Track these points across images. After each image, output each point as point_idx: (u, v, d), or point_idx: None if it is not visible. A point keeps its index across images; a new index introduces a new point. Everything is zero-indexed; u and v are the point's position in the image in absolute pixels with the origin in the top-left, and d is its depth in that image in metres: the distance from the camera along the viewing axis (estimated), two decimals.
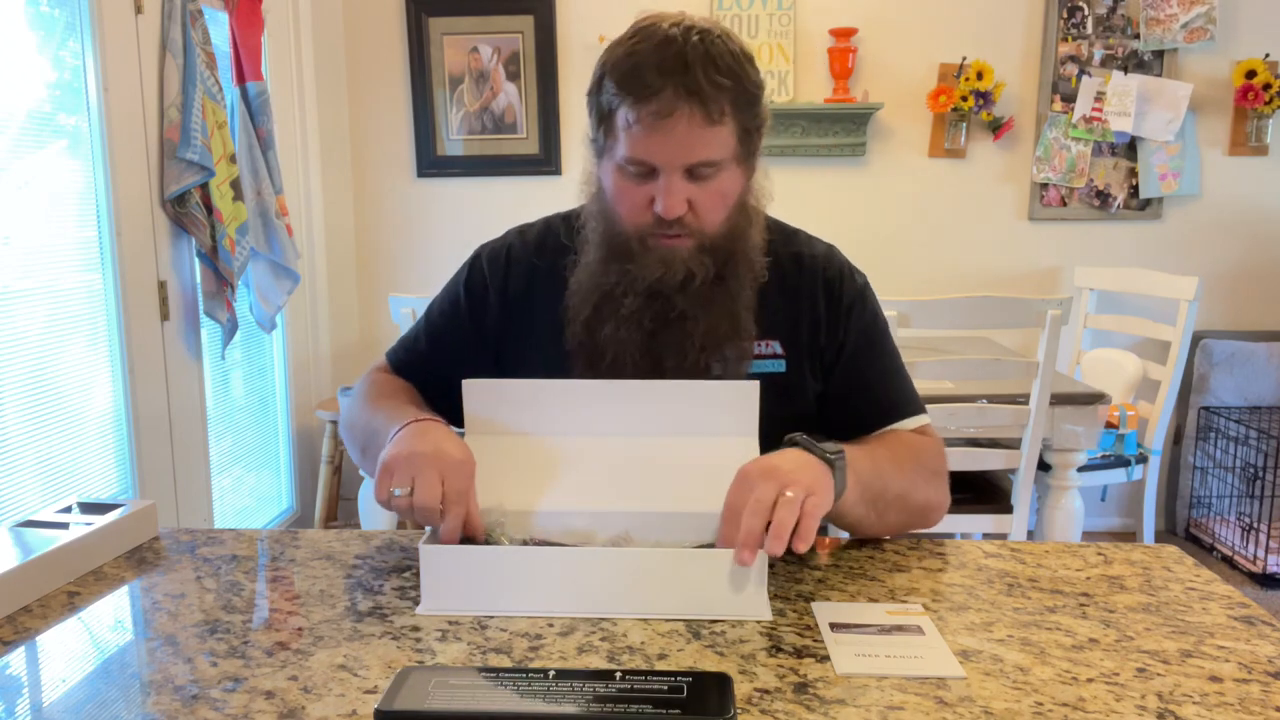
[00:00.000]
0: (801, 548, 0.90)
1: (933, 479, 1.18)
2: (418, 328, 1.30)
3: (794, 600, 0.95)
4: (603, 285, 1.14)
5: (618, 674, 0.72)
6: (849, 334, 1.21)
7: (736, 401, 1.06)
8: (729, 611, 0.90)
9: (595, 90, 1.11)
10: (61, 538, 1.03)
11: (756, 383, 1.06)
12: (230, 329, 2.64)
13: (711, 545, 0.98)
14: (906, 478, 1.13)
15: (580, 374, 1.14)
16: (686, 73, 1.04)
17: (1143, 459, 3.08)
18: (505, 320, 1.24)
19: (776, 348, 1.19)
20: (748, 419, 1.06)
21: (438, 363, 1.25)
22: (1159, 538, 3.50)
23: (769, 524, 0.90)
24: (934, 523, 1.19)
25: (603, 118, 1.11)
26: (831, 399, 1.22)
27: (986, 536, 2.54)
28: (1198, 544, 3.44)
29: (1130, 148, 3.43)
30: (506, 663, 0.82)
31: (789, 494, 0.91)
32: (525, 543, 0.99)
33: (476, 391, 1.10)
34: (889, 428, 1.20)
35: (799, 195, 3.50)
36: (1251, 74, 3.29)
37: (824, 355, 1.21)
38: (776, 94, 3.45)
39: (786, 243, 1.23)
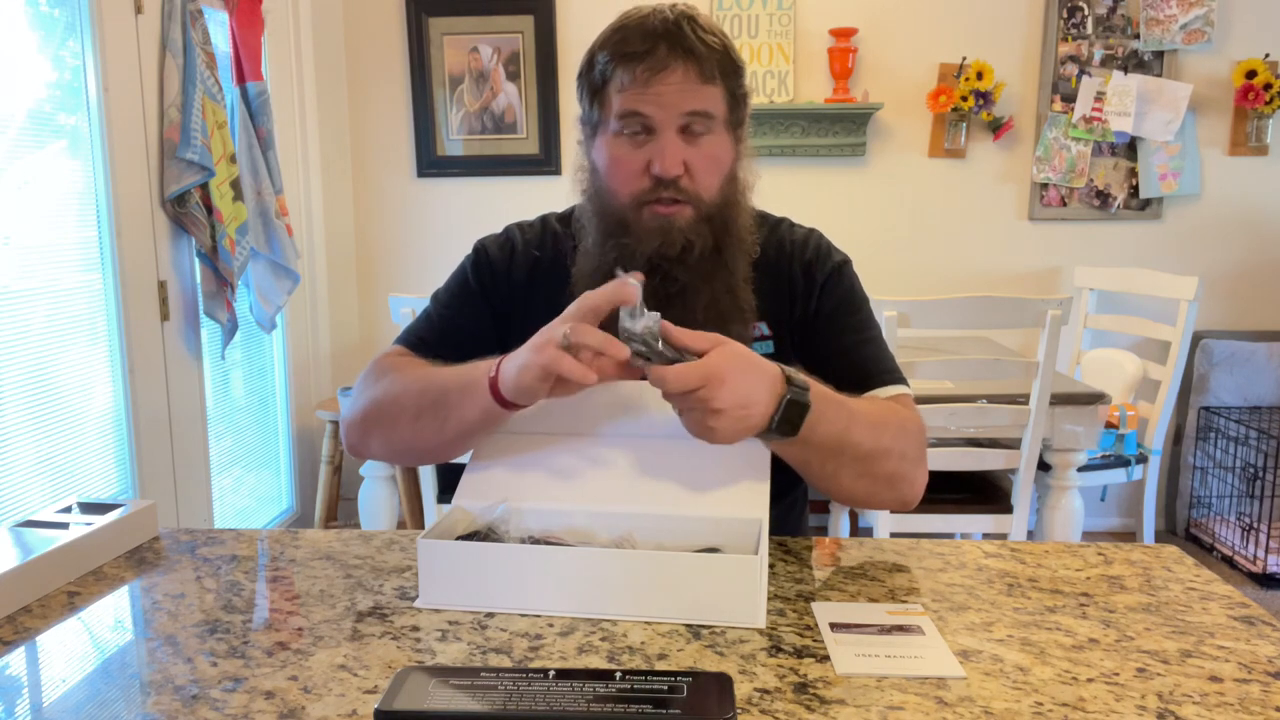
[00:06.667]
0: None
1: (908, 449, 1.12)
2: (426, 315, 1.28)
3: (794, 600, 0.95)
4: (603, 265, 1.14)
5: (618, 674, 0.72)
6: (823, 302, 1.22)
7: None
8: (725, 618, 0.89)
9: (586, 69, 1.15)
10: (61, 538, 1.03)
11: None
12: (230, 329, 2.64)
13: (713, 550, 0.98)
14: (871, 442, 1.07)
15: None
16: (679, 33, 1.08)
17: (1143, 459, 3.08)
18: (511, 308, 1.24)
19: (764, 329, 1.22)
20: None
21: (451, 348, 1.23)
22: (1159, 538, 3.50)
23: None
24: (908, 500, 1.13)
25: (595, 91, 1.14)
26: (807, 368, 1.21)
27: (986, 536, 2.54)
28: (1198, 544, 3.44)
29: (1130, 148, 3.43)
30: (506, 663, 0.82)
31: (709, 417, 0.92)
32: (526, 540, 0.99)
33: None
34: (867, 395, 1.17)
35: (799, 195, 3.50)
36: (1251, 74, 3.29)
37: (801, 328, 1.23)
38: (776, 94, 3.45)
39: (772, 231, 1.26)
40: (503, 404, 1.01)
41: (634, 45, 1.09)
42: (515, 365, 0.98)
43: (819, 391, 1.01)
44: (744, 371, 0.94)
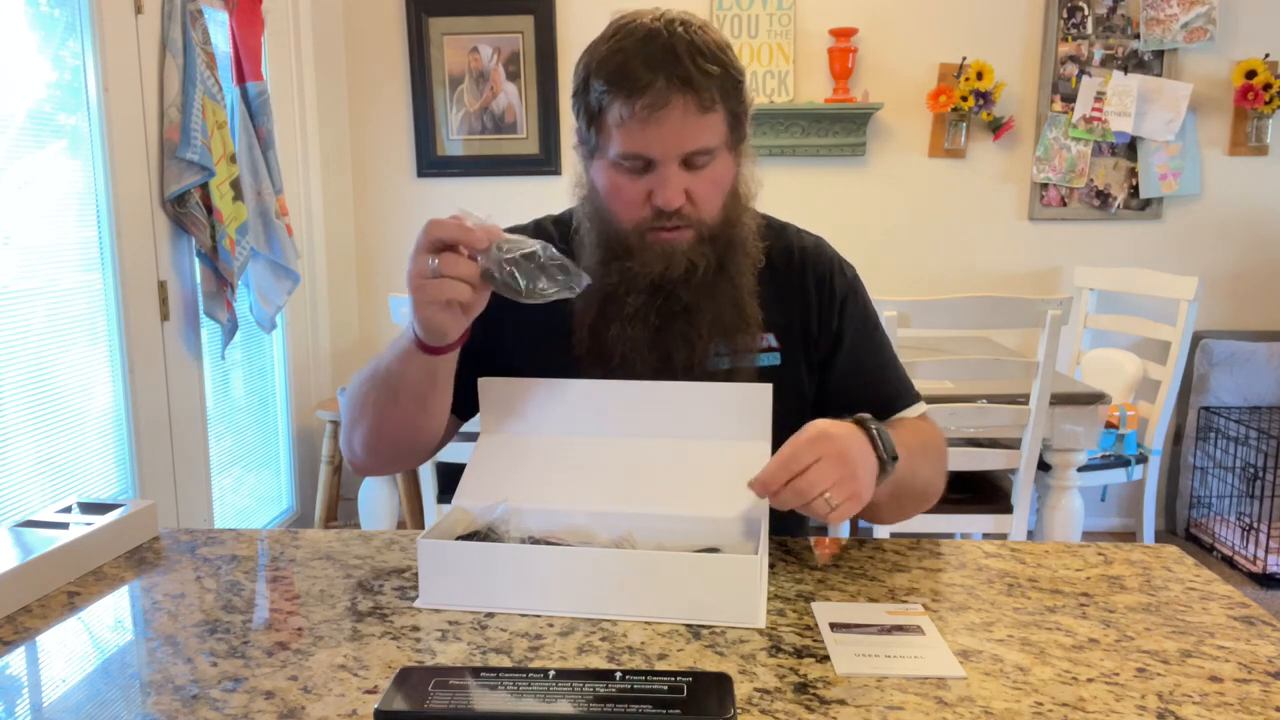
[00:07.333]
0: (830, 517, 0.94)
1: (940, 469, 1.21)
2: None
3: (794, 600, 0.95)
4: (605, 287, 1.13)
5: (618, 674, 0.72)
6: (845, 326, 1.22)
7: (749, 405, 1.06)
8: (725, 618, 0.89)
9: (582, 90, 1.11)
10: (61, 538, 1.03)
11: (769, 386, 1.06)
12: (230, 329, 2.64)
13: (712, 550, 0.98)
14: (929, 470, 1.16)
15: (590, 374, 1.14)
16: (677, 63, 1.04)
17: (1143, 459, 3.08)
18: (502, 314, 1.23)
19: (771, 340, 1.20)
20: (760, 423, 1.06)
21: None
22: (1159, 538, 3.50)
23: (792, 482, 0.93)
24: (924, 510, 1.23)
25: (592, 117, 1.11)
26: (832, 391, 1.22)
27: (986, 536, 2.54)
28: (1198, 544, 3.44)
29: (1130, 148, 3.43)
30: (506, 663, 0.82)
31: (833, 495, 0.93)
32: (526, 540, 0.99)
33: (492, 390, 1.11)
34: (894, 417, 1.20)
35: (799, 195, 3.50)
36: (1251, 74, 3.29)
37: (817, 347, 1.22)
38: (776, 94, 3.45)
39: (777, 237, 1.24)
40: (430, 351, 1.03)
41: (633, 75, 1.05)
42: (410, 315, 1.03)
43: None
44: (842, 433, 0.97)
